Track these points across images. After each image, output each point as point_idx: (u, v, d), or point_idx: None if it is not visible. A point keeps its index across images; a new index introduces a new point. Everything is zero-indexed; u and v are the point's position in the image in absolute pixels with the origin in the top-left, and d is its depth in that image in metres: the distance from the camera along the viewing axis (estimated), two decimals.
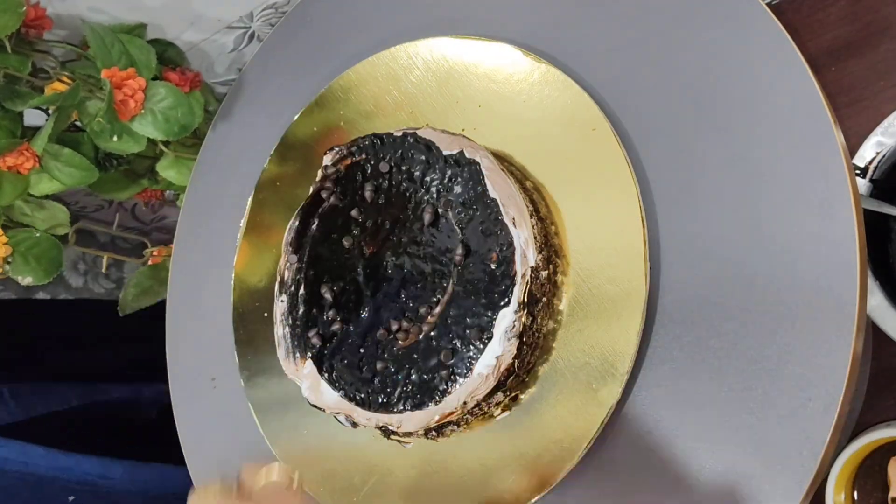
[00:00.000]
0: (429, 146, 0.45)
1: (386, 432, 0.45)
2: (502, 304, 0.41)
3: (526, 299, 0.40)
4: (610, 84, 0.44)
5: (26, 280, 0.61)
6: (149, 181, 0.70)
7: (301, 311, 0.47)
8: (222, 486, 0.35)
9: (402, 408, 0.42)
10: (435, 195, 0.45)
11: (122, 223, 0.88)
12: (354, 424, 0.45)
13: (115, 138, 0.58)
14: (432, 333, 0.43)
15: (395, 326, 0.44)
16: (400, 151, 0.46)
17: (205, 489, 0.36)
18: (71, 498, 0.76)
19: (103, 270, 0.71)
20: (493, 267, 0.42)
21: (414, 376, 0.42)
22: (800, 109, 0.39)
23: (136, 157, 0.66)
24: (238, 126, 0.61)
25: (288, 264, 0.48)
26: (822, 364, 0.36)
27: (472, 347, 0.41)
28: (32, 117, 0.61)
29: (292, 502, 0.35)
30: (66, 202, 0.83)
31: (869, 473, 0.55)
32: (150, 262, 0.73)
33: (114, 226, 0.76)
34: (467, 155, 0.44)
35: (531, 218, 0.42)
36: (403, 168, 0.46)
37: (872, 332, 0.53)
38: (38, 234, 0.61)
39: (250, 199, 0.54)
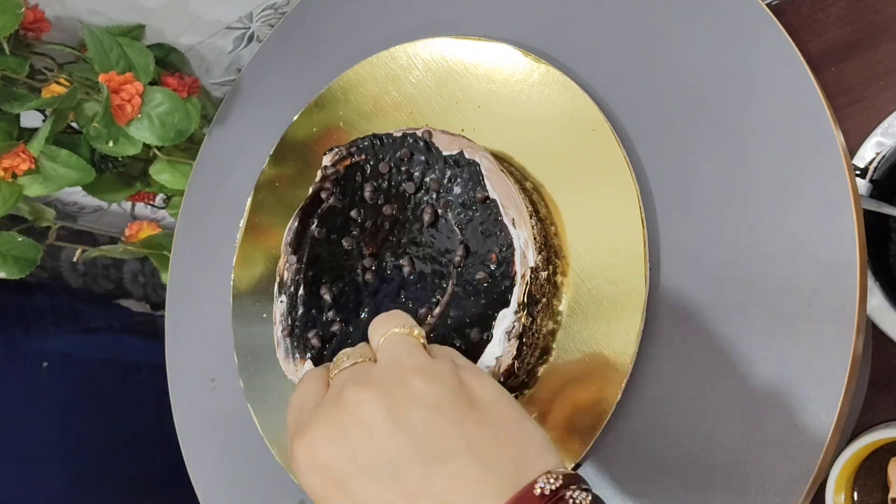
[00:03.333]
0: (428, 146, 0.45)
1: None
2: (502, 304, 0.41)
3: (526, 300, 0.40)
4: (610, 84, 0.44)
5: (0, 275, 0.62)
6: (142, 184, 0.71)
7: (300, 311, 0.46)
8: (348, 352, 0.34)
9: None
10: (434, 196, 0.45)
11: (120, 225, 0.88)
12: None
13: (111, 143, 0.58)
14: (432, 334, 0.43)
15: None
16: (399, 152, 0.46)
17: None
18: (45, 364, 0.79)
19: (75, 259, 0.72)
20: (492, 268, 0.42)
21: None
22: (800, 109, 0.39)
23: (131, 160, 0.66)
24: (237, 126, 0.61)
25: (287, 265, 0.48)
26: (822, 364, 0.36)
27: (471, 348, 0.41)
28: (28, 119, 0.61)
29: (412, 356, 0.33)
30: (64, 202, 0.83)
31: (869, 474, 0.55)
32: (125, 241, 0.74)
33: (97, 223, 0.76)
34: (467, 155, 0.44)
35: (531, 218, 0.42)
36: (403, 168, 0.46)
37: (872, 332, 0.53)
38: (20, 239, 0.62)
39: (249, 200, 0.54)
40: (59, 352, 0.82)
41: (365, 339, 0.45)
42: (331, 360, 0.45)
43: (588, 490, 0.28)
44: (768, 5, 0.41)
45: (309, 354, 0.45)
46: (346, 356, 0.34)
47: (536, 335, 0.42)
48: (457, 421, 0.29)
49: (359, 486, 0.29)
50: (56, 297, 0.87)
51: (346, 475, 0.29)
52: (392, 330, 0.34)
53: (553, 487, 0.28)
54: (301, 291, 0.47)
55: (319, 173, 0.48)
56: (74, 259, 0.71)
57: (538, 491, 0.28)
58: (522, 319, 0.40)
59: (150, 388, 0.62)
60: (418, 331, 0.34)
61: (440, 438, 0.29)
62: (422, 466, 0.28)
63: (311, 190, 0.48)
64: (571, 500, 0.28)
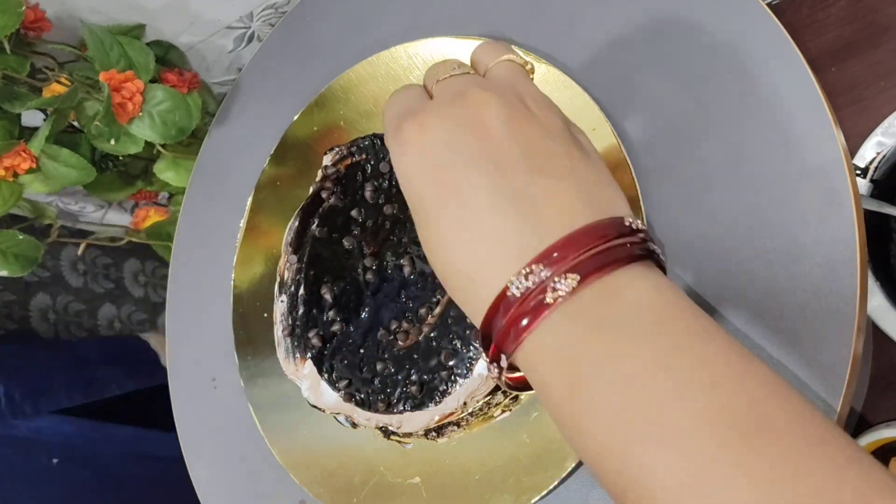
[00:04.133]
0: None
1: (386, 433, 0.45)
2: None
3: None
4: (610, 84, 0.44)
5: (1, 273, 0.63)
6: (143, 183, 0.71)
7: (301, 311, 0.47)
8: (453, 63, 0.34)
9: (402, 408, 0.42)
10: None
11: (121, 224, 0.88)
12: (354, 425, 0.45)
13: (112, 141, 0.58)
14: (432, 334, 0.43)
15: (395, 327, 0.44)
16: None
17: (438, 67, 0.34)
18: (55, 460, 0.78)
19: (78, 253, 0.72)
20: None
21: (414, 377, 0.42)
22: (800, 109, 0.39)
23: (132, 159, 0.66)
24: (238, 126, 0.61)
25: (288, 264, 0.48)
26: (822, 364, 0.36)
27: (472, 348, 0.41)
28: (29, 117, 0.61)
29: (527, 85, 0.33)
30: (66, 201, 0.83)
31: None
32: (132, 227, 0.74)
33: (99, 222, 0.76)
34: None
35: None
36: None
37: (873, 332, 0.53)
38: (21, 237, 0.62)
39: (250, 200, 0.54)
40: (64, 444, 0.80)
41: (365, 338, 0.45)
42: (331, 359, 0.46)
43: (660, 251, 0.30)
44: (768, 5, 0.41)
45: (309, 354, 0.46)
46: (455, 65, 0.34)
47: None
48: (564, 151, 0.30)
49: (462, 175, 0.29)
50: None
51: (453, 162, 0.30)
52: (508, 55, 0.34)
53: (641, 227, 0.29)
54: (302, 291, 0.47)
55: (320, 173, 0.48)
56: (79, 252, 0.71)
57: (629, 223, 0.29)
58: None
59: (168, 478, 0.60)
60: (531, 65, 0.35)
61: (548, 158, 0.30)
62: (527, 173, 0.29)
63: (311, 189, 0.48)
64: (653, 245, 0.29)
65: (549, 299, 0.27)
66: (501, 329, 0.28)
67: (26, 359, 0.82)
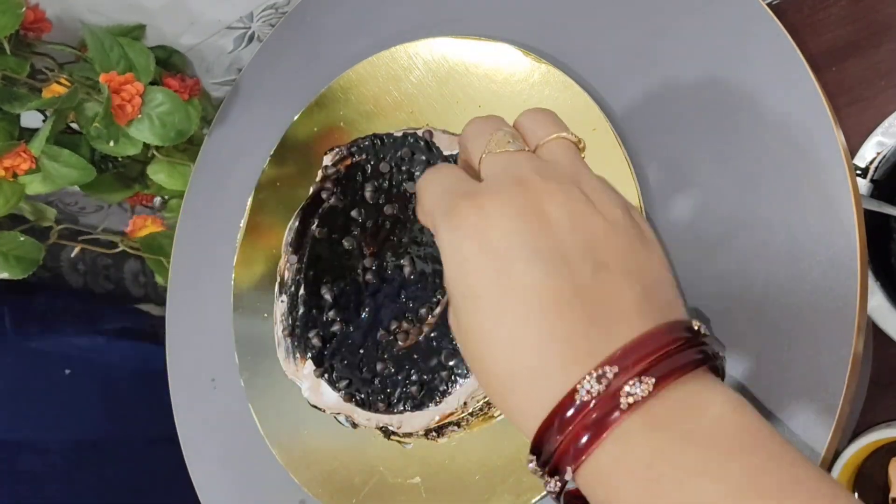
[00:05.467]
0: (429, 146, 0.45)
1: (386, 433, 0.45)
2: None
3: None
4: (610, 84, 0.44)
5: (2, 275, 0.62)
6: (140, 186, 0.71)
7: (301, 311, 0.47)
8: (502, 133, 0.32)
9: (402, 408, 0.42)
10: None
11: (123, 224, 0.88)
12: (354, 425, 0.45)
13: (111, 143, 0.58)
14: (432, 334, 0.43)
15: (395, 327, 0.44)
16: (400, 151, 0.46)
17: (480, 123, 0.33)
18: (67, 371, 0.79)
19: (72, 255, 0.72)
20: None
21: (414, 377, 0.42)
22: (800, 109, 0.39)
23: (129, 162, 0.66)
24: (238, 126, 0.61)
25: (288, 265, 0.48)
26: (823, 364, 0.36)
27: None
28: (29, 118, 0.61)
29: (584, 170, 0.31)
30: (66, 202, 0.83)
31: (869, 474, 0.55)
32: (128, 236, 0.73)
33: (99, 228, 0.76)
34: None
35: None
36: (404, 168, 0.46)
37: (873, 332, 0.53)
38: (22, 238, 0.62)
39: (250, 200, 0.54)
40: (81, 357, 0.81)
41: (366, 338, 0.45)
42: (331, 359, 0.46)
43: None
44: (768, 5, 0.41)
45: (309, 354, 0.46)
46: (506, 138, 0.32)
47: None
48: (628, 245, 0.29)
49: (524, 268, 0.28)
50: (73, 297, 0.87)
51: (514, 253, 0.28)
52: (561, 133, 0.32)
53: (705, 332, 0.28)
54: (302, 291, 0.47)
55: (320, 173, 0.48)
56: (73, 255, 0.71)
57: (696, 326, 0.28)
58: None
59: (164, 392, 0.61)
60: (584, 144, 0.33)
61: (612, 253, 0.28)
62: (592, 270, 0.28)
63: (311, 190, 0.48)
64: (712, 350, 0.28)
65: (623, 404, 0.25)
66: (567, 437, 0.26)
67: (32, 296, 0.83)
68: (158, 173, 0.66)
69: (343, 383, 0.44)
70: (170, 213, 0.73)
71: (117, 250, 0.71)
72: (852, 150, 0.55)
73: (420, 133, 0.45)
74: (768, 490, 0.24)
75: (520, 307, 0.27)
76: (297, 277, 0.47)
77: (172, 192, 0.70)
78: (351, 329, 0.46)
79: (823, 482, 0.25)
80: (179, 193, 0.65)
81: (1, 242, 0.61)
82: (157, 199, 0.77)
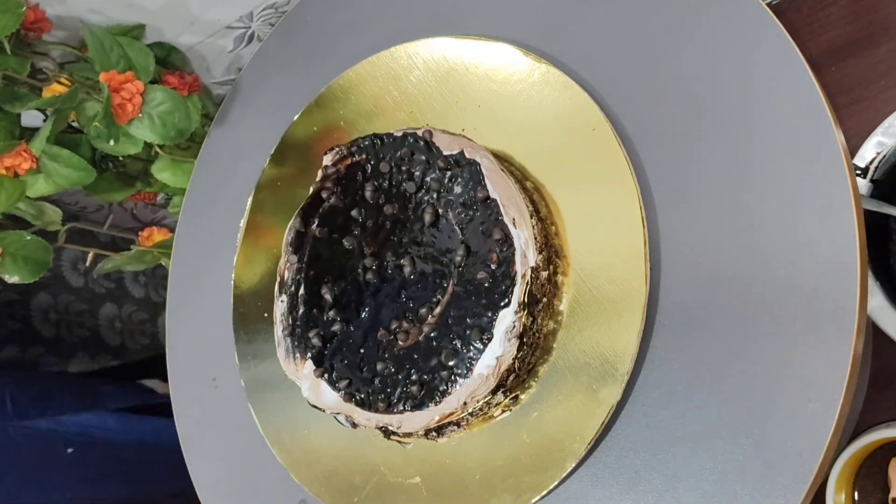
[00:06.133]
0: (429, 146, 0.45)
1: (386, 433, 0.45)
2: (502, 304, 0.41)
3: (526, 300, 0.40)
4: (610, 84, 0.44)
5: (13, 279, 0.61)
6: (142, 184, 0.70)
7: (301, 311, 0.47)
8: None
9: (402, 408, 0.42)
10: (435, 195, 0.45)
11: (121, 224, 0.88)
12: (354, 425, 0.45)
13: (112, 142, 0.58)
14: (433, 334, 0.43)
15: (395, 327, 0.44)
16: (400, 151, 0.46)
17: None
18: (69, 450, 0.78)
19: (86, 264, 0.71)
20: (493, 267, 0.42)
21: (414, 377, 0.42)
22: (800, 109, 0.39)
23: (131, 160, 0.66)
24: (238, 126, 0.61)
25: (288, 264, 0.48)
26: (823, 364, 0.36)
27: (472, 348, 0.41)
28: (29, 118, 0.61)
29: None
30: (66, 202, 0.83)
31: (869, 474, 0.55)
32: (139, 246, 0.73)
33: (105, 226, 0.76)
34: (467, 155, 0.44)
35: (531, 218, 0.42)
36: (403, 168, 0.46)
37: (873, 332, 0.53)
38: (28, 238, 0.61)
39: (250, 200, 0.54)
40: (81, 433, 0.80)
41: (365, 338, 0.45)
42: (331, 359, 0.45)
43: None
44: (768, 5, 0.41)
45: (310, 354, 0.46)
46: None
47: (537, 335, 0.42)
48: None
49: None
50: (75, 378, 0.86)
51: None
52: None
53: None
54: (302, 291, 0.47)
55: (320, 173, 0.48)
56: (87, 263, 0.71)
57: None
58: (523, 319, 0.40)
59: (173, 465, 0.60)
60: None
61: None
62: None
63: (311, 189, 0.48)
64: None
65: None
66: None
67: (30, 370, 0.82)
68: (163, 171, 0.66)
69: (343, 383, 0.44)
70: (174, 209, 0.73)
71: (130, 255, 0.71)
72: (852, 150, 0.55)
73: (420, 133, 0.45)
74: None
75: None
76: (298, 277, 0.47)
77: (175, 190, 0.70)
78: (351, 329, 0.46)
79: None
80: (182, 190, 0.65)
81: (7, 243, 0.61)
82: (161, 196, 0.77)
